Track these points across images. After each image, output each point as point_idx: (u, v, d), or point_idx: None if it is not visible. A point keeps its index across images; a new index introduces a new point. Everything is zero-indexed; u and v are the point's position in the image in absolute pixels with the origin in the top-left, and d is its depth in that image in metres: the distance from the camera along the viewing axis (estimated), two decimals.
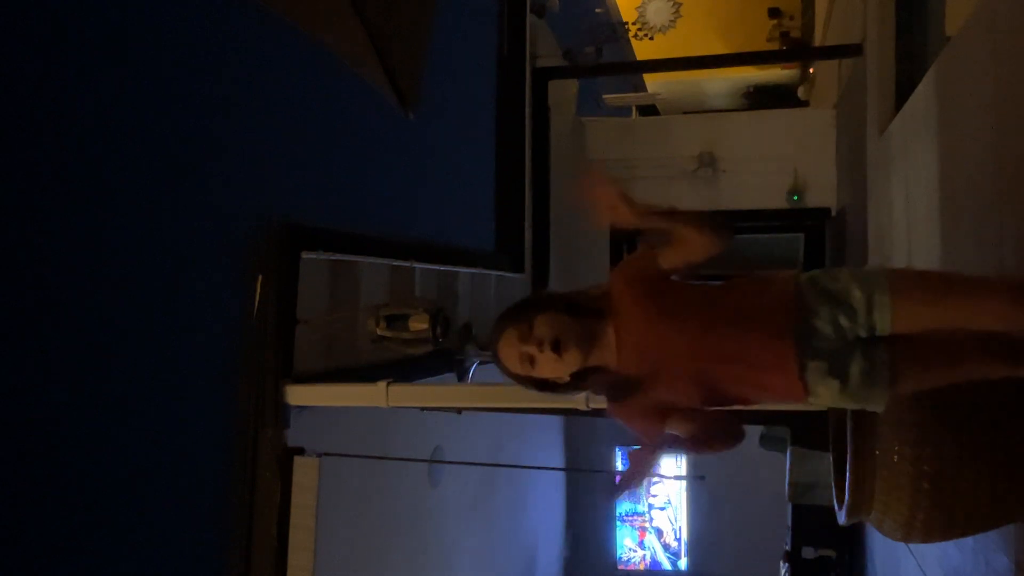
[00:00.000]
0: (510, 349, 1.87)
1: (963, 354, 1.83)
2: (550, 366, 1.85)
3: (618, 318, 1.87)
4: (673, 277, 1.90)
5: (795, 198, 8.42)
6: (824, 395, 1.82)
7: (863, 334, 1.79)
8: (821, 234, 8.45)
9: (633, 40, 10.28)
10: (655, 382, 1.88)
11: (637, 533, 9.95)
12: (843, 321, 1.78)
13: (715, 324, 1.82)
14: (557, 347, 1.82)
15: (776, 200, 8.45)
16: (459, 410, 3.61)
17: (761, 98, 13.97)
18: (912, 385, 1.88)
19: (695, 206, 8.71)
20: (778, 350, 1.79)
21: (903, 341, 1.81)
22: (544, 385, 1.92)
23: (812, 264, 7.79)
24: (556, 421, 9.06)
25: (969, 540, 2.76)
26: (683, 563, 9.77)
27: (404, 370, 3.91)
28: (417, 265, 4.73)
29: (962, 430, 2.10)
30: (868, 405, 1.84)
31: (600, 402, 2.97)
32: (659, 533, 9.87)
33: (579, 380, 1.91)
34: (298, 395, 3.35)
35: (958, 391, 2.10)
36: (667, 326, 1.83)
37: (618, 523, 9.92)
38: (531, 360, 1.84)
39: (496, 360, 1.93)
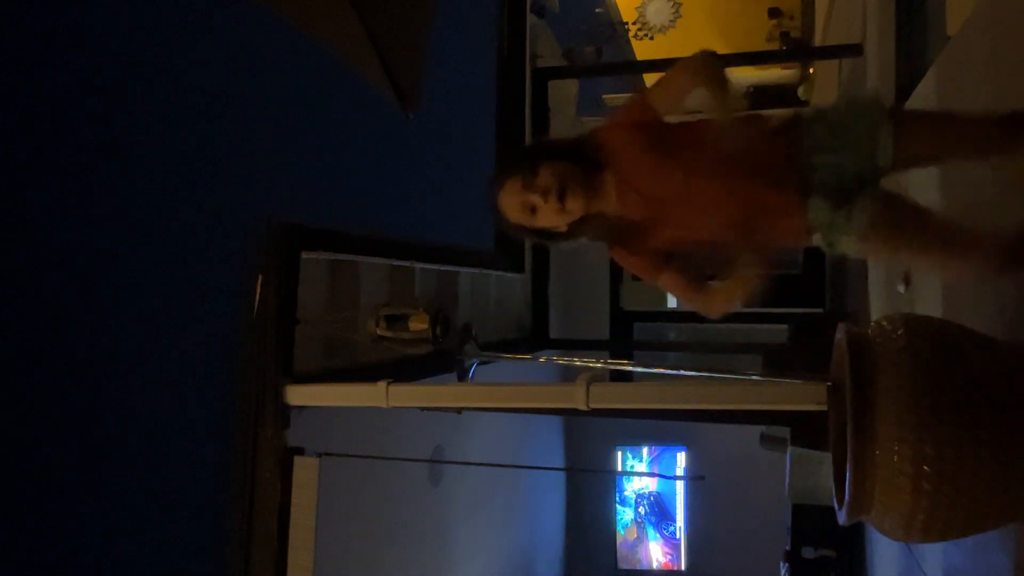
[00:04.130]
0: (512, 198, 1.85)
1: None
2: (552, 215, 1.83)
3: (619, 165, 1.84)
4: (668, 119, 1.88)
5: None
6: (819, 223, 1.80)
7: (866, 164, 1.77)
8: None
9: (633, 40, 10.28)
10: (658, 226, 1.86)
11: (637, 533, 9.95)
12: (845, 156, 1.77)
13: (717, 161, 1.79)
14: (561, 196, 1.80)
15: None
16: (459, 410, 3.60)
17: (761, 98, 13.96)
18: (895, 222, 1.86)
19: None
20: (782, 181, 1.77)
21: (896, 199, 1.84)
22: (542, 234, 1.91)
23: (813, 265, 7.79)
24: (556, 421, 9.06)
25: (969, 540, 2.75)
26: (683, 563, 9.76)
27: (404, 370, 3.91)
28: (417, 265, 4.73)
29: (962, 429, 2.09)
30: (861, 232, 1.81)
31: (600, 401, 2.97)
32: (659, 533, 9.87)
33: (576, 229, 1.90)
34: (298, 395, 3.34)
35: (958, 390, 2.10)
36: (670, 169, 1.81)
37: (618, 523, 9.92)
38: (533, 209, 1.83)
39: (495, 210, 1.91)
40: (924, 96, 3.94)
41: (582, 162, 1.85)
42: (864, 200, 1.77)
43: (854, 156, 1.76)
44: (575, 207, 1.82)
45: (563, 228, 1.88)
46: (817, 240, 1.83)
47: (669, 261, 1.90)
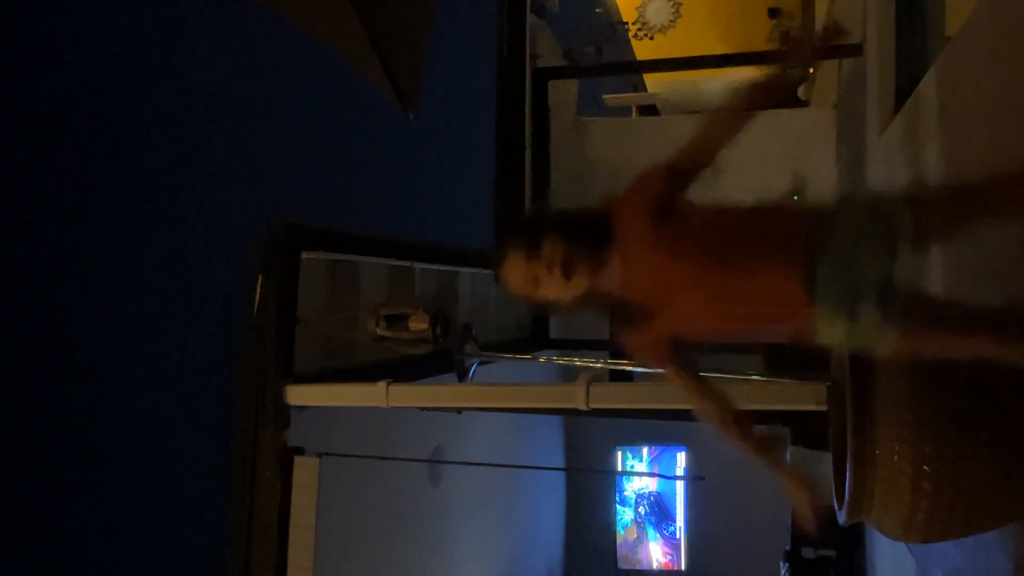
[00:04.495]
0: (516, 269, 1.84)
1: (978, 326, 1.77)
2: (556, 289, 1.83)
3: (625, 247, 1.83)
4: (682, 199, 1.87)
5: (795, 198, 8.41)
6: (828, 333, 1.76)
7: (882, 267, 1.72)
8: None
9: (633, 40, 10.28)
10: (661, 310, 1.85)
11: (637, 533, 9.95)
12: (859, 257, 1.72)
13: (725, 258, 1.78)
14: (566, 270, 1.80)
15: None
16: (459, 410, 3.61)
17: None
18: (921, 335, 1.78)
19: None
20: (789, 283, 1.75)
21: (923, 299, 1.79)
22: (546, 306, 1.90)
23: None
24: (556, 421, 9.06)
25: (969, 540, 2.75)
26: (683, 563, 9.76)
27: (404, 370, 3.91)
28: (417, 265, 4.73)
29: (962, 429, 2.10)
30: (876, 344, 1.77)
31: (600, 401, 2.98)
32: (659, 533, 9.87)
33: (581, 303, 1.89)
34: (298, 395, 3.35)
35: (958, 390, 2.10)
36: (676, 253, 1.80)
37: (618, 523, 9.92)
38: (537, 281, 1.83)
39: (499, 279, 1.91)
40: (924, 96, 3.94)
41: (588, 235, 1.84)
42: (879, 305, 1.71)
43: (869, 260, 1.72)
44: (580, 282, 1.82)
45: (567, 301, 1.87)
46: (820, 336, 1.78)
47: (679, 356, 1.90)
